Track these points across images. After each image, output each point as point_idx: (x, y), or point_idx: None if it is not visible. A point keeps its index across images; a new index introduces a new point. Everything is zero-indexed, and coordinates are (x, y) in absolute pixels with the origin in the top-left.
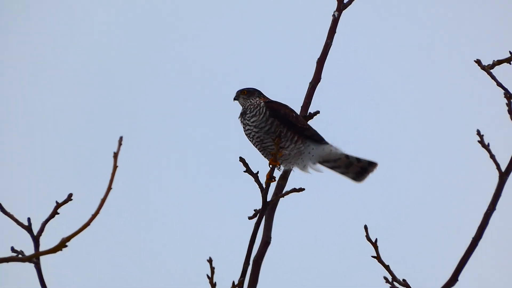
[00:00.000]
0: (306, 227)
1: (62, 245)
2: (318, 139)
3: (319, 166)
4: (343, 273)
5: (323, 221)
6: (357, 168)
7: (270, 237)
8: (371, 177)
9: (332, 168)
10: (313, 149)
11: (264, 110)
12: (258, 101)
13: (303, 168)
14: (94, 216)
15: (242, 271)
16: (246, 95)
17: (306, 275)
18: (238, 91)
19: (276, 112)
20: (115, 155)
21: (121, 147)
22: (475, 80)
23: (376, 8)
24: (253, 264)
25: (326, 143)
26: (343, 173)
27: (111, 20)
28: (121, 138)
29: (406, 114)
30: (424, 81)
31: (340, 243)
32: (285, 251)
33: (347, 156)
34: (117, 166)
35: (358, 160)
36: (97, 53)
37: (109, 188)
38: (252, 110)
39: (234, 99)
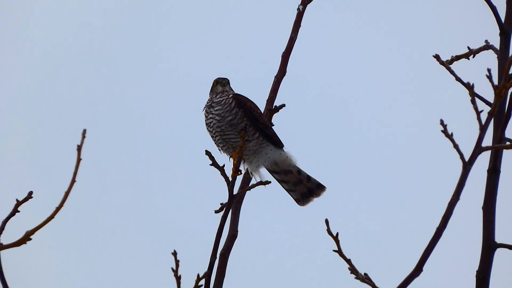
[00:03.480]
0: (272, 220)
1: (26, 238)
2: (276, 141)
3: (268, 174)
4: (308, 267)
5: (289, 214)
6: (304, 189)
7: (237, 231)
8: (316, 201)
9: (280, 181)
10: (271, 150)
11: (230, 101)
12: (228, 92)
13: (255, 168)
14: (58, 209)
15: (209, 265)
16: (229, 85)
17: (272, 268)
18: (227, 79)
19: (243, 104)
20: (79, 148)
21: (85, 140)
22: (437, 73)
23: (341, 2)
24: (220, 257)
25: (283, 149)
26: (289, 190)
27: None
28: (84, 131)
29: (371, 106)
30: (389, 74)
31: (305, 236)
32: (251, 245)
33: (299, 171)
34: (80, 159)
35: (309, 178)
36: (58, 47)
37: (73, 181)
38: (219, 99)
39: (224, 84)
